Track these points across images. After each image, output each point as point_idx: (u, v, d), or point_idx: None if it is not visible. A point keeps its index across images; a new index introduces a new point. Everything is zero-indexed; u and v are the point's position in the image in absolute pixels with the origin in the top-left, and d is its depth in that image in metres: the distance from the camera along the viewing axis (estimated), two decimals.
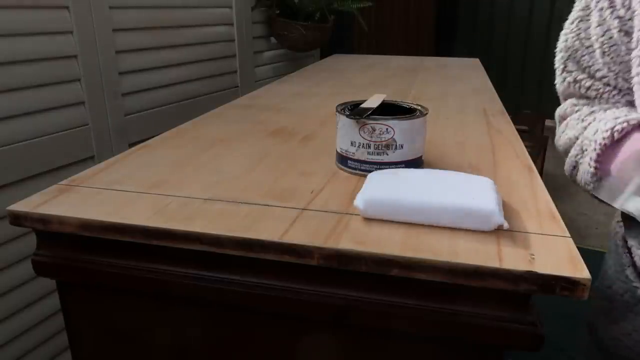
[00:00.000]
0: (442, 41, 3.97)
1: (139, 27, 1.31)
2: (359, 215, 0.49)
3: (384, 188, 0.50)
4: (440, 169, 0.58)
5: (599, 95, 0.60)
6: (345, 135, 0.60)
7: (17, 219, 0.51)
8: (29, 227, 0.51)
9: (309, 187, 0.57)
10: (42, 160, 1.06)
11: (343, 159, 0.62)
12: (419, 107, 0.63)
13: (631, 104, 0.57)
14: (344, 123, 0.60)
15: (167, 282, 0.49)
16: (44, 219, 0.50)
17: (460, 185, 0.50)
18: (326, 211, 0.50)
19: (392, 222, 0.47)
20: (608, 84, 0.59)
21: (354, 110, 0.60)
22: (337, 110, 0.62)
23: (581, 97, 0.63)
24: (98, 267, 0.51)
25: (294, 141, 0.75)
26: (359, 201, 0.48)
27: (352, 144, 0.59)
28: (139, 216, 0.49)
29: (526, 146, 0.73)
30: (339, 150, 0.63)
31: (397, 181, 0.52)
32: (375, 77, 1.38)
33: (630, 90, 0.57)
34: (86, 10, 1.13)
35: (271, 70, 1.95)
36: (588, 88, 0.60)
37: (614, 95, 0.59)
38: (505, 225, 0.45)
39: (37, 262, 0.53)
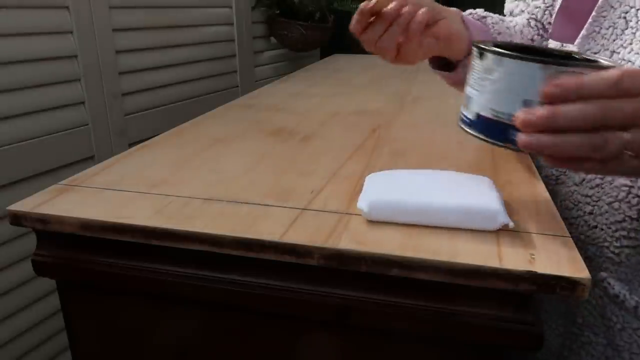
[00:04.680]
0: None
1: (139, 27, 1.31)
2: (359, 215, 0.49)
3: (387, 190, 0.50)
4: (440, 169, 0.58)
5: None
6: (512, 89, 0.39)
7: (17, 219, 0.51)
8: (28, 227, 0.51)
9: (309, 187, 0.56)
10: (42, 160, 1.06)
11: (497, 128, 0.41)
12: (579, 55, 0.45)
13: None
14: (512, 70, 0.39)
15: (167, 282, 0.49)
16: (44, 219, 0.50)
17: (462, 185, 0.50)
18: (326, 211, 0.50)
19: (392, 222, 0.47)
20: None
21: (538, 53, 0.39)
22: (492, 52, 0.40)
23: None
24: (98, 267, 0.51)
25: (294, 141, 0.75)
26: (363, 203, 0.48)
27: (525, 103, 0.39)
28: (139, 216, 0.49)
29: None
30: (489, 115, 0.42)
31: (399, 183, 0.51)
32: (375, 77, 1.38)
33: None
34: (86, 10, 1.13)
35: (271, 70, 1.94)
36: None
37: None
38: (511, 224, 0.44)
39: (37, 262, 0.53)
